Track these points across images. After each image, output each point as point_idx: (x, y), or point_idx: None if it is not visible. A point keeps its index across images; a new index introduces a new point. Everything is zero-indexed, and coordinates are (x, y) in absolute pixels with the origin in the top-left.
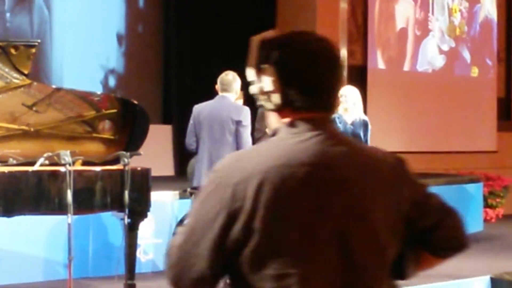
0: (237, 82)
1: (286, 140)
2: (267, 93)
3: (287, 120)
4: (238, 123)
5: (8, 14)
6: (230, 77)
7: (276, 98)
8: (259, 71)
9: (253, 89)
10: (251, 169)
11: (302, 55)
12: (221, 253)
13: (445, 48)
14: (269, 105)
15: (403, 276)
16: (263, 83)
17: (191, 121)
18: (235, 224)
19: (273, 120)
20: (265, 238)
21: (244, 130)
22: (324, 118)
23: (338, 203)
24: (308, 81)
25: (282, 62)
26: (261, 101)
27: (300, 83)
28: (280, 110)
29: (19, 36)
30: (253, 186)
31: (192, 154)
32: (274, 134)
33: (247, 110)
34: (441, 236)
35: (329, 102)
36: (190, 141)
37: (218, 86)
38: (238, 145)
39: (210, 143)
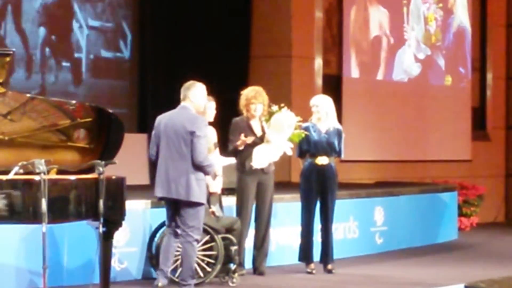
0: (192, 91)
1: None
2: None
3: None
4: (192, 133)
5: None
6: (186, 86)
7: None
8: None
9: None
10: None
11: None
12: None
13: (421, 56)
14: None
15: None
16: None
17: (153, 131)
18: None
19: None
20: None
21: (197, 140)
22: None
23: None
24: None
25: None
26: None
27: None
28: None
29: None
30: None
31: None
32: None
33: (202, 120)
34: None
35: None
36: (151, 152)
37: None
38: (192, 157)
39: (167, 153)
